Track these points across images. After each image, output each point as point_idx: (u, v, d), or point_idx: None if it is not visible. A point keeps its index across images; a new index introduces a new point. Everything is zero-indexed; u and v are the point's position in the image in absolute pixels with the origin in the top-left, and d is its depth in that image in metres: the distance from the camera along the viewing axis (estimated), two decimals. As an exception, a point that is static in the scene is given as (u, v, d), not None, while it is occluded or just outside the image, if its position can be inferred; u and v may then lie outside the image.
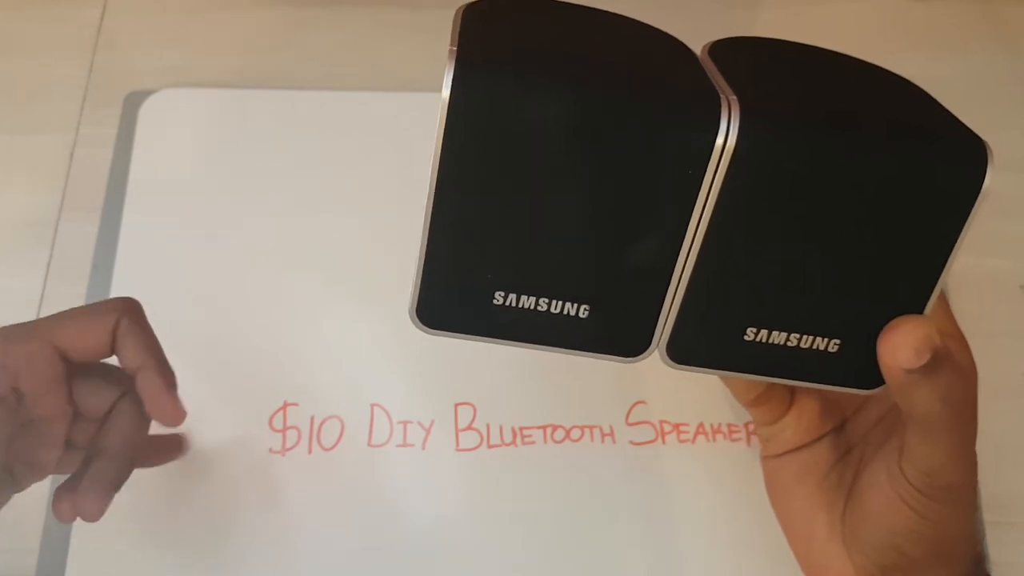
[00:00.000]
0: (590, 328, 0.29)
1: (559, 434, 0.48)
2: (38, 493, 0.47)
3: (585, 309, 0.29)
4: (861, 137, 0.26)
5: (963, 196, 0.27)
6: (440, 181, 0.26)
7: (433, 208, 0.27)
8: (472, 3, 0.29)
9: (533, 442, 0.48)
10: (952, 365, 0.28)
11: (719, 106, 0.25)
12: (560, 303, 0.28)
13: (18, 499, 0.47)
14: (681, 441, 0.48)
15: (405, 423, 0.48)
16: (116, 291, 0.51)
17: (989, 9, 0.60)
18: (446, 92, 0.25)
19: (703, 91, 0.26)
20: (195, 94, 0.57)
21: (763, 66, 0.30)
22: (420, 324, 0.29)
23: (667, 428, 0.48)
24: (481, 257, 0.28)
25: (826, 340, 0.29)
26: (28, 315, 0.51)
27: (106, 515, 0.47)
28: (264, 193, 0.54)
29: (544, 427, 0.48)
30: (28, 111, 0.57)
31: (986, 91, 0.58)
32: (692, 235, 0.27)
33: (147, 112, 0.56)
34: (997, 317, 0.52)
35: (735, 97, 0.26)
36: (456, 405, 0.49)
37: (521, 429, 0.48)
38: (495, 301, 0.28)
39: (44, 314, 0.51)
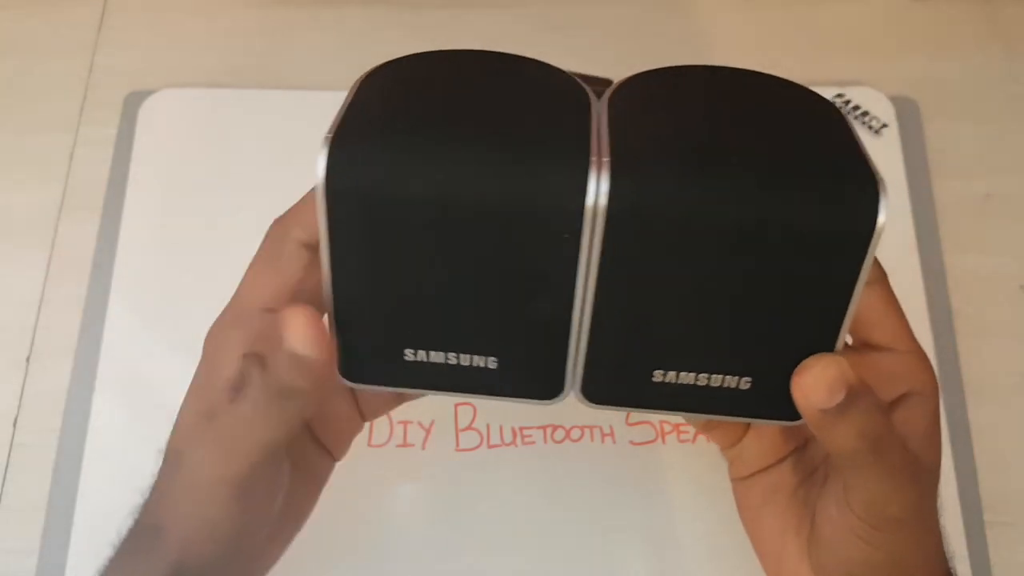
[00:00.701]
0: (501, 376, 0.30)
1: (559, 434, 0.48)
2: (38, 493, 0.47)
3: (493, 361, 0.29)
4: (739, 184, 0.26)
5: (857, 237, 0.26)
6: (332, 257, 0.27)
7: (332, 281, 0.28)
8: (371, 71, 0.29)
9: (533, 442, 0.48)
10: (869, 399, 0.28)
11: (587, 169, 0.25)
12: (468, 356, 0.29)
13: (18, 499, 0.47)
14: (681, 441, 0.48)
15: (405, 423, 0.48)
16: (116, 291, 0.51)
17: (989, 9, 0.60)
18: (320, 173, 0.26)
19: (573, 153, 0.26)
20: (195, 94, 0.57)
21: (659, 106, 0.29)
22: (344, 381, 0.30)
23: (667, 428, 0.48)
24: (383, 320, 0.29)
25: (736, 378, 0.29)
26: (28, 315, 0.51)
27: (106, 515, 0.47)
28: (264, 193, 0.54)
29: (544, 427, 0.48)
30: (28, 111, 0.57)
31: (986, 91, 0.58)
32: (583, 290, 0.27)
33: (147, 112, 0.56)
34: (997, 317, 0.52)
35: (608, 158, 0.25)
36: (456, 405, 0.49)
37: (521, 429, 0.48)
38: (406, 357, 0.29)
39: (44, 314, 0.51)
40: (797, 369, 0.28)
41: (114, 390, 0.49)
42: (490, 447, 0.48)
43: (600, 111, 0.28)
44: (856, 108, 0.56)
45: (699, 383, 0.29)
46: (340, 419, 0.36)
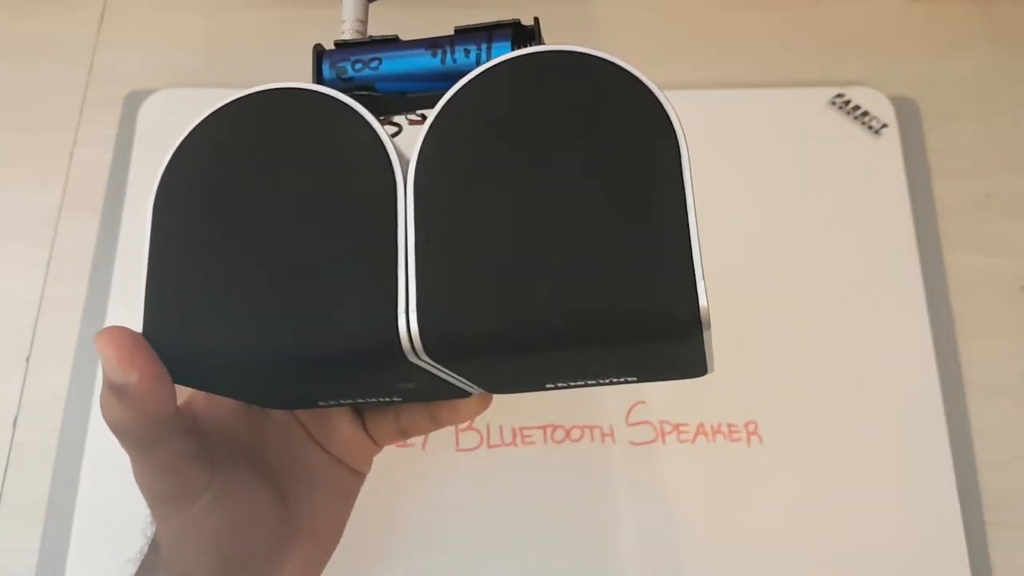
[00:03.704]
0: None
1: (559, 434, 0.48)
2: (38, 493, 0.47)
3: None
4: (546, 339, 0.25)
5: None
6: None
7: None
8: (160, 187, 0.28)
9: (533, 442, 0.48)
10: None
11: (395, 326, 0.25)
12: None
13: (18, 499, 0.47)
14: (681, 441, 0.48)
15: (405, 423, 0.48)
16: (116, 291, 0.51)
17: (989, 9, 0.60)
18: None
19: (379, 306, 0.25)
20: (195, 94, 0.57)
21: (464, 195, 0.26)
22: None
23: (667, 428, 0.48)
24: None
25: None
26: (28, 315, 0.51)
27: (106, 514, 0.47)
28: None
29: (544, 427, 0.48)
30: (28, 111, 0.57)
31: (986, 91, 0.58)
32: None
33: (147, 112, 0.56)
34: (997, 317, 0.52)
35: (415, 314, 0.25)
36: (456, 405, 0.49)
37: (521, 429, 0.48)
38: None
39: (44, 314, 0.51)
40: None
41: (114, 390, 0.49)
42: (490, 447, 0.48)
43: (407, 202, 0.27)
44: (856, 108, 0.56)
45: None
46: (347, 439, 0.36)
